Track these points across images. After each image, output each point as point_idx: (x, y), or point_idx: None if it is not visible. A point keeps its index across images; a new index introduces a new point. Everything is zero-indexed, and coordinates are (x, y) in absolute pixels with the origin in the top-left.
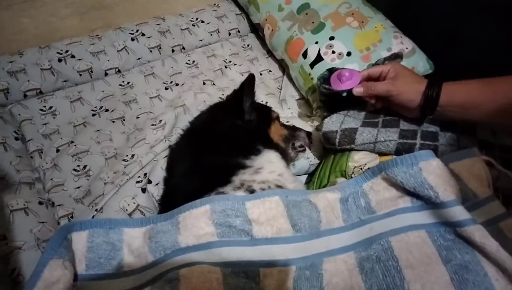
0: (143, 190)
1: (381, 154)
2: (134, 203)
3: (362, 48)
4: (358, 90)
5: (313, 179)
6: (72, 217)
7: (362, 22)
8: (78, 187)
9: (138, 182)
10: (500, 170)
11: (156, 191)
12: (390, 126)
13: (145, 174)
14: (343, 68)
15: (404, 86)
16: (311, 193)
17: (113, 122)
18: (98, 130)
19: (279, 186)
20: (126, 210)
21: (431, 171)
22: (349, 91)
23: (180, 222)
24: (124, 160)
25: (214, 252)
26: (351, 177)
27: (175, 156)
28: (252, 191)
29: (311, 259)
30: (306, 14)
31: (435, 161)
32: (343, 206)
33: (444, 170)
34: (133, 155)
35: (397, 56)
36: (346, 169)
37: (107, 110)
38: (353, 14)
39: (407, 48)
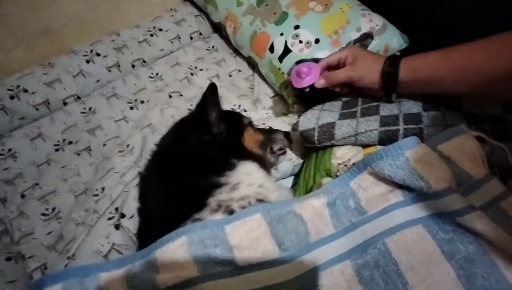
0: (117, 226)
1: (364, 145)
2: (109, 242)
3: (330, 32)
4: (320, 83)
5: (299, 182)
6: (45, 268)
7: (326, 5)
8: (49, 233)
9: (110, 218)
10: (493, 144)
11: (132, 224)
12: (369, 114)
13: (116, 209)
14: (300, 63)
15: (363, 69)
16: (295, 202)
17: (79, 154)
18: (63, 166)
19: (261, 200)
20: (101, 252)
21: (418, 159)
22: (312, 86)
23: (158, 259)
24: (94, 195)
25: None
26: (337, 176)
27: (146, 184)
28: (231, 212)
29: (304, 278)
30: (267, 5)
31: (421, 148)
32: (332, 210)
33: (432, 156)
34: (103, 188)
35: (367, 36)
36: (330, 167)
37: (70, 142)
38: None
39: (377, 25)
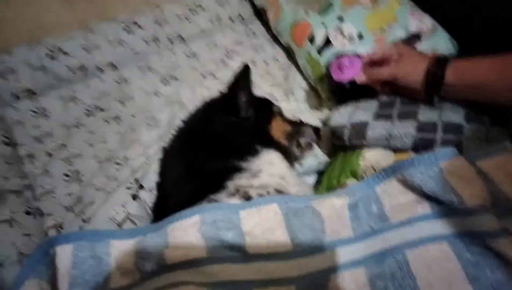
0: (134, 197)
1: (396, 150)
2: (124, 211)
3: (375, 29)
4: (361, 78)
5: (322, 180)
6: (61, 227)
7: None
8: (69, 194)
9: (128, 188)
10: None
11: (149, 197)
12: (406, 117)
13: (136, 180)
14: (342, 56)
15: (408, 67)
16: (315, 198)
17: (107, 122)
18: (91, 132)
19: (280, 191)
20: (116, 219)
21: (453, 172)
22: (353, 81)
23: (169, 234)
24: (116, 163)
25: (203, 271)
26: (363, 178)
27: (168, 159)
28: (248, 198)
29: (314, 277)
30: None
31: (458, 160)
32: (352, 213)
33: (469, 170)
34: (126, 158)
35: (415, 37)
36: (357, 169)
37: (102, 110)
38: None
39: (426, 26)
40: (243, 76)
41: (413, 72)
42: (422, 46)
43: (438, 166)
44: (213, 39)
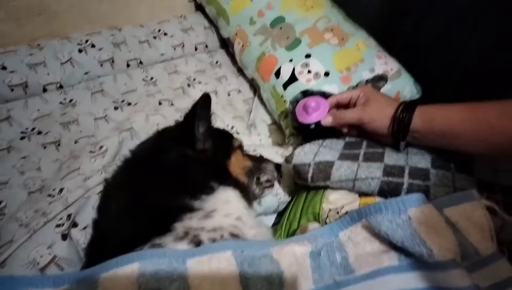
0: (64, 236)
1: (361, 194)
2: (50, 254)
3: (342, 68)
4: (326, 121)
5: (282, 222)
6: None
7: (343, 39)
8: None
9: (58, 225)
10: (505, 218)
11: (83, 237)
12: (373, 160)
13: (69, 215)
14: (308, 96)
15: (375, 112)
16: (274, 245)
17: (45, 147)
18: (24, 157)
19: (235, 235)
20: (38, 263)
21: (423, 221)
22: (318, 123)
23: (100, 285)
24: (49, 195)
25: None
26: (326, 223)
27: (109, 192)
28: (198, 243)
29: None
30: (281, 28)
31: (427, 208)
32: (314, 262)
33: (439, 219)
34: (61, 190)
35: (381, 78)
36: (319, 211)
37: (40, 133)
38: (332, 30)
39: (392, 69)
40: (203, 106)
41: (380, 117)
42: (387, 87)
43: (406, 214)
44: (175, 65)
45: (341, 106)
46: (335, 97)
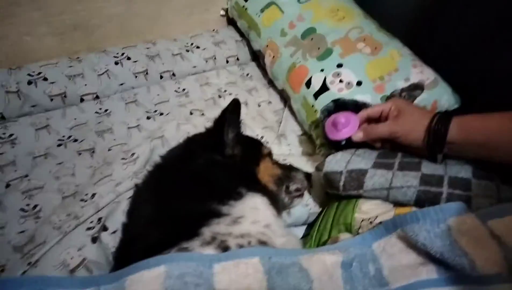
0: (94, 239)
1: (396, 204)
2: (80, 256)
3: (375, 77)
4: (357, 136)
5: (312, 233)
6: (2, 270)
7: (376, 48)
8: (21, 232)
9: (89, 228)
10: None
11: (113, 241)
12: (408, 169)
13: (99, 219)
14: (338, 109)
15: (409, 124)
16: (303, 253)
17: (80, 154)
18: (60, 163)
19: (263, 242)
20: (68, 265)
21: (464, 231)
22: (349, 138)
23: (127, 287)
24: (82, 199)
25: None
26: (358, 233)
27: (139, 197)
28: (225, 248)
29: None
30: (312, 39)
31: (469, 218)
32: (346, 273)
33: (482, 230)
34: (93, 195)
35: (416, 87)
36: (351, 221)
37: (75, 140)
38: (365, 39)
39: (428, 78)
40: (232, 112)
41: (414, 130)
42: (424, 96)
43: (446, 223)
44: (206, 78)
45: (372, 120)
46: (365, 112)
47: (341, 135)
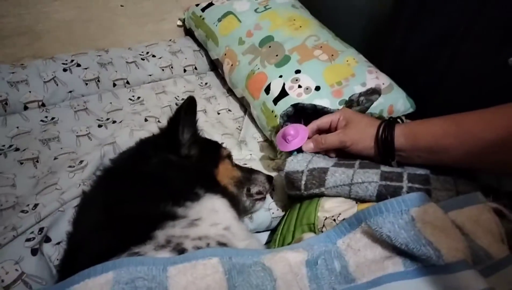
0: (34, 251)
1: (359, 200)
2: (17, 270)
3: (332, 82)
4: (308, 147)
5: (275, 237)
6: None
7: (332, 55)
8: None
9: (28, 239)
10: None
11: (56, 252)
12: (369, 167)
13: (40, 229)
14: (286, 125)
15: (357, 134)
16: (266, 253)
17: (22, 163)
18: None
19: (223, 244)
20: (2, 281)
21: (427, 221)
22: (300, 149)
23: None
24: (23, 211)
25: None
26: (322, 232)
27: (86, 204)
28: (182, 251)
29: None
30: (270, 47)
31: (431, 207)
32: (311, 271)
33: (444, 219)
34: (36, 205)
35: (374, 92)
36: (315, 221)
37: (17, 149)
38: (321, 47)
39: (383, 83)
40: (187, 109)
41: (362, 139)
42: (380, 101)
43: (409, 214)
44: (163, 86)
45: (323, 131)
46: (315, 123)
47: (291, 146)
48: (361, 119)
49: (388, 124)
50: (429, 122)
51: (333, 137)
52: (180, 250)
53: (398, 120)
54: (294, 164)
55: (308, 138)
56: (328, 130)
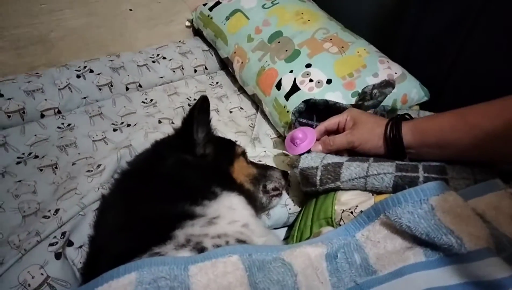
0: (58, 255)
1: (375, 192)
2: (43, 274)
3: (344, 74)
4: (317, 149)
5: (292, 233)
6: None
7: (342, 47)
8: None
9: (52, 244)
10: None
11: (79, 256)
12: (383, 161)
13: (63, 234)
14: (294, 129)
15: (365, 134)
16: (285, 249)
17: (41, 170)
18: (19, 181)
19: (242, 241)
20: (29, 285)
21: (447, 210)
22: (309, 152)
23: None
24: (44, 216)
25: None
26: (340, 225)
27: (106, 206)
28: (202, 250)
29: None
30: (279, 42)
31: (451, 195)
32: (331, 265)
33: (464, 207)
34: (57, 210)
35: (388, 84)
36: (332, 215)
37: (36, 157)
38: (331, 39)
39: (396, 73)
40: (201, 109)
41: (370, 139)
42: (394, 91)
43: (428, 203)
44: (174, 87)
45: (331, 132)
46: (322, 125)
47: (299, 149)
48: (369, 119)
49: (396, 122)
50: (436, 117)
51: (341, 138)
52: (200, 249)
53: (406, 116)
54: (309, 160)
55: (317, 140)
56: (336, 131)
